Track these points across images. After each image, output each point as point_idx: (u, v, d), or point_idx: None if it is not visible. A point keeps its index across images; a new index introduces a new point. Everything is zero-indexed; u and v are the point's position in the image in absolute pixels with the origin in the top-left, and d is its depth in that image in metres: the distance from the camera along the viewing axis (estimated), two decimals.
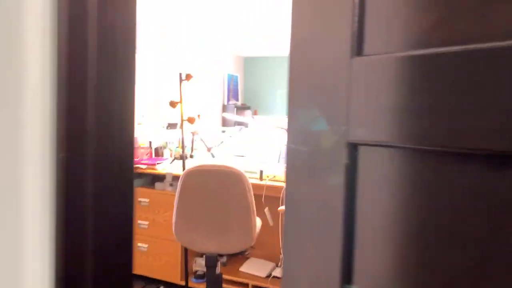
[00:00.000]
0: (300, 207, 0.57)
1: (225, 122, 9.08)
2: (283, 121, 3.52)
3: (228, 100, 9.43)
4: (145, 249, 3.06)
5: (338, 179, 0.52)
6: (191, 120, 2.78)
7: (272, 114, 9.71)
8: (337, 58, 0.52)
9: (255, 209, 2.17)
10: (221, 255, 2.29)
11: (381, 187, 0.49)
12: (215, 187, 2.12)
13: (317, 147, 0.54)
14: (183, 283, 2.95)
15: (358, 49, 0.50)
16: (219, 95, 9.16)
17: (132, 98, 0.49)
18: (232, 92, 9.65)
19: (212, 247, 2.18)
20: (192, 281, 2.96)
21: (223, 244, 2.17)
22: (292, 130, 0.59)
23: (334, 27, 0.52)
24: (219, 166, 2.11)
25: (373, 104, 0.48)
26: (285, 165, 0.58)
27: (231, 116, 2.65)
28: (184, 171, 2.15)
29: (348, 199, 0.51)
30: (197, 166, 2.13)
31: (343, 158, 0.51)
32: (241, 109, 9.27)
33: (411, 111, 0.45)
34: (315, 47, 0.55)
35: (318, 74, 0.54)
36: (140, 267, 3.09)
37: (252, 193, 2.15)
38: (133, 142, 0.55)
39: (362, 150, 0.51)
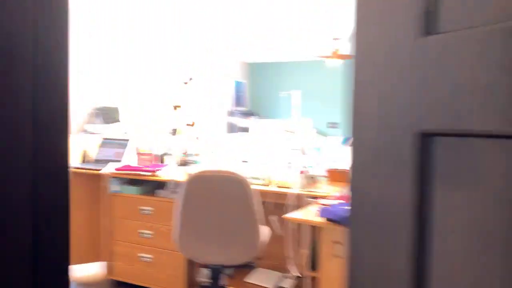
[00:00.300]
0: (366, 205, 0.52)
1: (230, 129, 8.99)
2: (290, 124, 3.40)
3: (234, 106, 9.33)
4: (149, 260, 2.94)
5: (406, 173, 0.47)
6: (192, 124, 2.67)
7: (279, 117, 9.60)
8: (404, 39, 0.47)
9: (261, 218, 2.04)
10: (225, 267, 2.16)
11: (461, 182, 0.42)
12: (218, 194, 2.00)
13: (383, 138, 0.50)
14: None
15: (430, 26, 0.44)
16: (225, 101, 9.07)
17: (63, 67, 0.39)
18: (238, 99, 9.56)
19: (215, 259, 2.06)
20: None
21: (227, 256, 2.04)
22: (356, 121, 0.54)
23: (401, 4, 0.48)
24: (222, 172, 1.99)
25: (452, 88, 0.41)
26: (350, 159, 0.55)
27: (236, 120, 2.55)
28: (187, 177, 2.04)
29: (418, 195, 0.46)
30: (200, 172, 2.01)
31: (412, 150, 0.46)
32: (246, 115, 9.17)
33: None
34: (380, 28, 0.51)
35: (384, 58, 0.50)
36: (144, 278, 2.97)
37: (257, 200, 2.03)
38: (67, 131, 0.44)
39: (435, 141, 0.44)
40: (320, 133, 9.34)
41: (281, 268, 2.96)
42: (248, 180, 2.01)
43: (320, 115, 9.50)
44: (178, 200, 2.07)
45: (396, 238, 0.48)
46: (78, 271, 3.40)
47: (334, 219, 1.72)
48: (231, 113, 8.96)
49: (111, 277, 3.11)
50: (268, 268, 3.00)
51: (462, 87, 0.41)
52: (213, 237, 2.04)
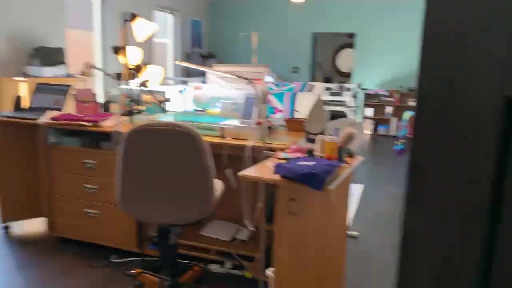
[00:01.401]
0: (433, 174, 0.48)
1: (187, 73, 8.56)
2: (250, 70, 3.17)
3: (192, 48, 8.84)
4: (97, 216, 2.76)
5: (487, 144, 0.42)
6: (139, 70, 2.39)
7: (239, 63, 9.24)
8: None
9: (213, 173, 1.88)
10: (176, 225, 2.02)
11: None
12: (164, 149, 1.80)
13: (462, 102, 0.44)
14: (138, 250, 2.69)
15: None
16: (181, 43, 8.55)
17: None
18: (196, 40, 9.05)
19: (163, 218, 1.90)
20: (149, 248, 2.71)
21: (176, 214, 1.89)
22: (428, 82, 0.47)
23: None
24: (168, 124, 1.78)
25: None
26: (414, 124, 0.49)
27: (186, 64, 2.28)
28: (127, 131, 1.81)
29: (499, 164, 0.41)
30: (143, 125, 1.79)
31: (496, 116, 0.41)
32: (206, 57, 8.74)
33: None
34: None
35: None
36: (91, 234, 2.80)
37: (209, 154, 1.85)
38: None
39: None
40: (282, 78, 9.13)
41: (237, 219, 2.87)
42: (197, 132, 1.81)
43: (282, 58, 9.22)
44: (118, 155, 1.86)
45: (471, 204, 0.44)
46: (17, 228, 3.17)
47: (289, 176, 1.59)
48: (188, 55, 8.49)
49: (54, 234, 2.92)
50: (224, 219, 2.91)
51: None
52: (160, 196, 1.87)
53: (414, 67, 8.50)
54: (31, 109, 3.04)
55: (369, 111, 8.37)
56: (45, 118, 2.72)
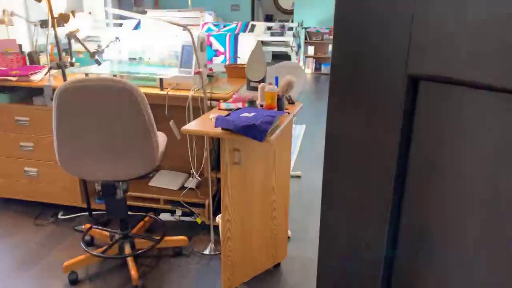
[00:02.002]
0: (346, 144, 0.52)
1: (124, 16, 8.01)
2: (186, 16, 3.03)
3: None
4: (36, 174, 2.67)
5: (393, 117, 0.46)
6: (64, 18, 2.21)
7: (176, 5, 8.74)
8: None
9: (154, 127, 1.86)
10: (120, 181, 2.01)
11: (446, 129, 0.43)
12: (100, 106, 1.74)
13: (370, 77, 0.47)
14: (85, 205, 2.68)
15: None
16: None
17: None
18: None
19: (106, 175, 1.89)
20: (95, 202, 2.70)
21: (120, 171, 1.88)
22: (339, 56, 0.50)
23: None
24: (102, 79, 1.71)
25: (450, 30, 0.40)
26: (329, 93, 0.52)
27: (115, 11, 2.14)
28: (58, 88, 1.72)
29: (403, 139, 0.46)
30: (74, 82, 1.70)
31: (401, 93, 0.45)
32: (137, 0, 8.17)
33: None
34: None
35: None
36: (32, 193, 2.72)
37: (148, 109, 1.82)
38: None
39: (424, 86, 0.44)
40: (222, 17, 8.82)
41: (185, 168, 2.91)
42: (134, 86, 1.76)
43: None
44: (52, 114, 1.78)
45: (378, 173, 0.48)
46: None
47: (230, 129, 1.62)
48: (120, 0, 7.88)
49: None
50: (172, 169, 2.94)
51: (460, 31, 0.38)
52: (101, 153, 1.84)
53: None
54: None
55: (311, 50, 8.43)
56: None
